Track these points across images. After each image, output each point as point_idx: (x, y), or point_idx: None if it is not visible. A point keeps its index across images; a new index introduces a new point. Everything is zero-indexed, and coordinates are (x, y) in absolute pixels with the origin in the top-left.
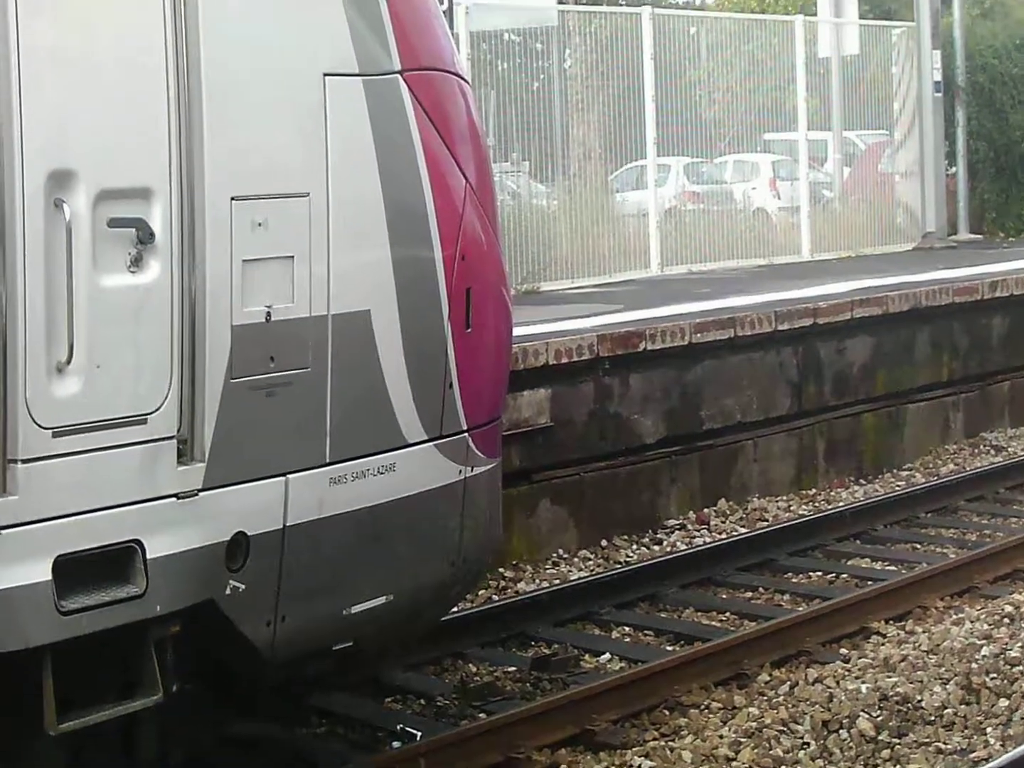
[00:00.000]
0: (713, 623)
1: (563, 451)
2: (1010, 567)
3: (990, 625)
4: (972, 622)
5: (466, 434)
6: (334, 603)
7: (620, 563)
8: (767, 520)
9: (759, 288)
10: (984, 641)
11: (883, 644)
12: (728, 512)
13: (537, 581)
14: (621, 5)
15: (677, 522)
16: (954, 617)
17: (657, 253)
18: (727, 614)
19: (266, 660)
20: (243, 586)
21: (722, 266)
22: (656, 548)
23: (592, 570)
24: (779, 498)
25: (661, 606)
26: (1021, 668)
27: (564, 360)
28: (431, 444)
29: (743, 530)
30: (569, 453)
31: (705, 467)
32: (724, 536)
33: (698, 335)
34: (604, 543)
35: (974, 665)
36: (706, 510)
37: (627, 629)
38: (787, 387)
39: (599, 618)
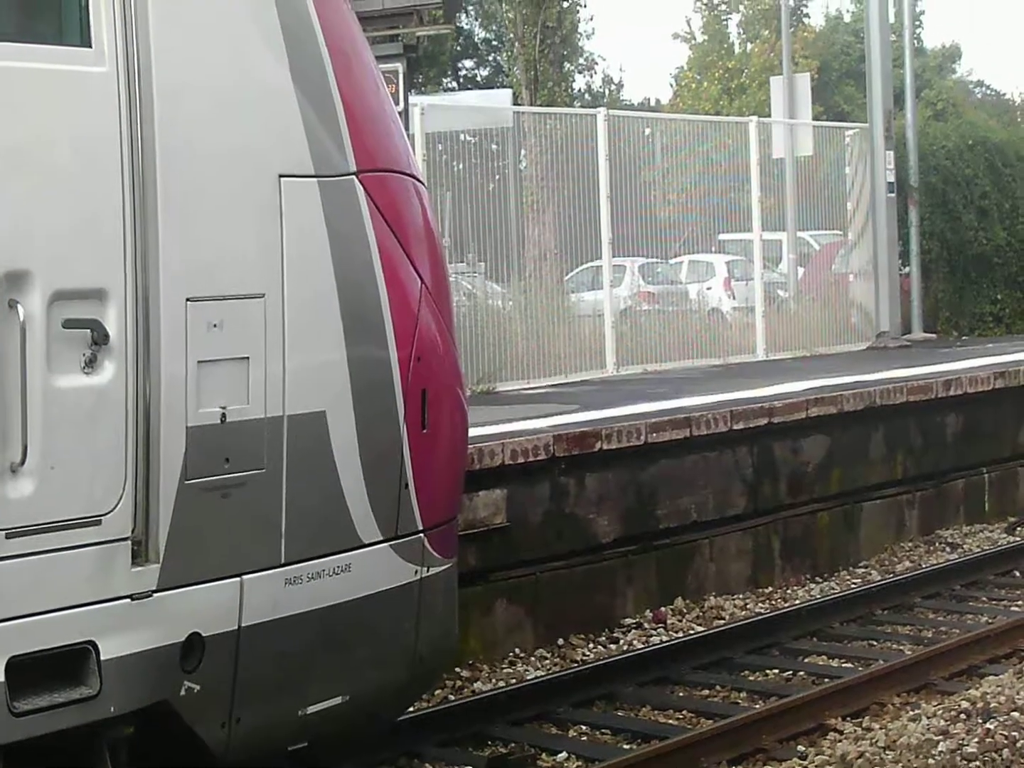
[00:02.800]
0: (670, 721)
1: (519, 551)
2: (966, 663)
3: (947, 721)
4: (929, 718)
5: (422, 534)
6: (289, 704)
7: (577, 662)
8: (724, 618)
9: (714, 388)
10: (941, 737)
11: (840, 741)
12: (685, 611)
13: (494, 680)
14: (576, 106)
15: (634, 621)
16: (911, 713)
17: (612, 353)
18: (684, 712)
19: (220, 761)
20: (198, 687)
21: (677, 366)
22: (613, 647)
23: (549, 669)
24: (735, 596)
25: (618, 704)
26: (977, 764)
27: (520, 460)
28: (387, 544)
29: (700, 628)
30: (525, 553)
31: (661, 566)
32: (681, 635)
33: (654, 435)
34: (561, 642)
35: (931, 761)
36: (663, 609)
37: (584, 728)
38: (743, 486)
39: (556, 717)
